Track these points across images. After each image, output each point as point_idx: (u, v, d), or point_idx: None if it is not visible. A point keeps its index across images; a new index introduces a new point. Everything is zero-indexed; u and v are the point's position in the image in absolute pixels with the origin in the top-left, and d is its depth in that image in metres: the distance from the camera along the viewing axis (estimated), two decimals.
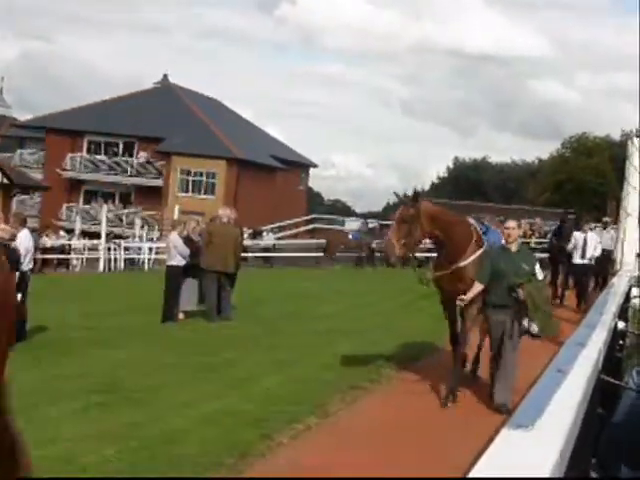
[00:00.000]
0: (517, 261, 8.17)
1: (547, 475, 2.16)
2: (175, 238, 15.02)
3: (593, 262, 16.96)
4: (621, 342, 9.25)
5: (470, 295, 8.22)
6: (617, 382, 6.71)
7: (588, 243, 16.64)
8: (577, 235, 16.98)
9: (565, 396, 3.04)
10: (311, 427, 7.35)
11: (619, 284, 11.71)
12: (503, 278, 8.06)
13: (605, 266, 18.34)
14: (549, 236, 22.14)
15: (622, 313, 10.44)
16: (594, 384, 4.35)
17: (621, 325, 9.12)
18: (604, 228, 19.81)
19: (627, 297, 11.87)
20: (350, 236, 36.35)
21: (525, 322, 7.99)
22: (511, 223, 8.38)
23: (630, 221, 17.27)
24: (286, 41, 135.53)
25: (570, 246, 16.95)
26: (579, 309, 16.02)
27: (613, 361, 8.10)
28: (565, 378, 3.33)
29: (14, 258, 11.70)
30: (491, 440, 2.32)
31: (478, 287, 8.22)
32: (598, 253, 16.98)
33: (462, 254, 8.76)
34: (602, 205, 42.51)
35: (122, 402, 8.14)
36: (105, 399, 8.21)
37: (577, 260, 16.83)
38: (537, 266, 8.35)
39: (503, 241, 8.61)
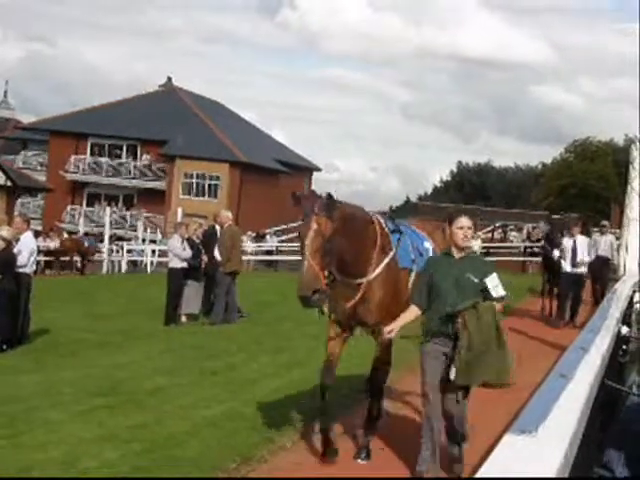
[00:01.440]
0: (463, 274, 5.79)
1: None
2: (172, 241, 15.05)
3: (584, 270, 15.36)
4: (624, 347, 9.21)
5: (400, 323, 6.04)
6: (620, 387, 6.69)
7: (578, 249, 14.94)
8: (565, 241, 15.29)
9: (568, 401, 3.03)
10: (314, 431, 7.34)
11: (622, 289, 11.68)
12: (443, 298, 5.80)
13: (603, 274, 17.31)
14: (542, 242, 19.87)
15: (625, 318, 10.41)
16: (597, 389, 4.34)
17: (624, 330, 9.07)
18: (602, 233, 17.96)
19: (630, 302, 11.82)
20: None
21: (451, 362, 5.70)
22: (464, 221, 5.94)
23: (633, 226, 17.19)
24: (288, 46, 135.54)
25: (556, 253, 15.44)
26: (563, 324, 14.88)
27: (616, 366, 8.07)
28: (568, 383, 3.33)
29: (11, 260, 11.70)
30: (495, 445, 2.32)
31: (413, 312, 6.05)
32: (589, 259, 15.36)
33: (366, 265, 6.48)
34: (606, 210, 42.48)
35: (124, 405, 8.13)
36: (107, 402, 8.20)
37: (566, 268, 15.04)
38: (494, 279, 5.79)
39: (463, 245, 6.07)
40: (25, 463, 6.24)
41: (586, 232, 16.25)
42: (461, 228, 5.91)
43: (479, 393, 6.30)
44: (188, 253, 14.59)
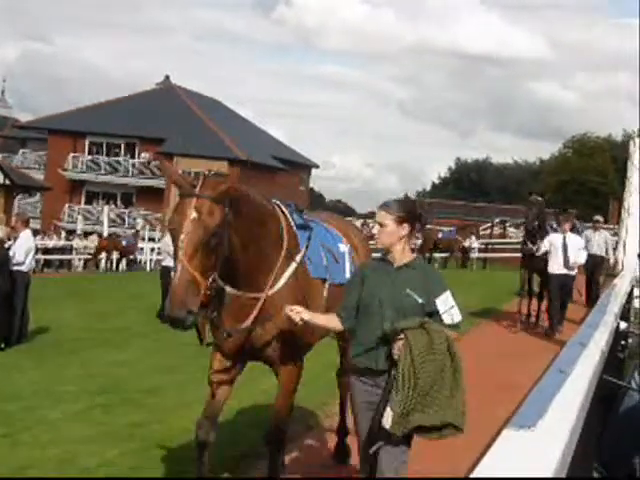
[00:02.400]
0: (401, 289, 4.23)
1: (550, 476, 2.15)
2: (165, 239, 15.05)
3: (574, 272, 13.71)
4: (623, 342, 9.22)
5: (315, 319, 4.48)
6: (619, 382, 6.70)
7: (568, 247, 13.21)
8: (554, 237, 13.40)
9: (567, 397, 3.03)
10: (314, 427, 7.34)
11: (621, 284, 11.68)
12: (373, 320, 4.22)
13: (596, 274, 16.62)
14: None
15: (624, 313, 10.42)
16: (596, 384, 4.34)
17: (623, 325, 9.08)
18: (595, 229, 17.13)
19: (629, 297, 11.84)
20: (440, 235, 34.48)
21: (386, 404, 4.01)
22: (382, 216, 4.32)
23: (632, 221, 17.17)
24: (285, 42, 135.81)
25: (542, 250, 13.32)
26: (552, 332, 13.29)
27: (615, 361, 8.08)
28: (567, 378, 3.32)
29: (3, 258, 11.69)
30: (493, 441, 2.32)
31: (333, 319, 4.47)
32: (582, 260, 13.70)
33: (265, 273, 4.80)
34: (604, 205, 42.53)
35: (123, 403, 8.13)
36: (106, 400, 8.20)
37: (553, 269, 13.23)
38: (448, 300, 4.27)
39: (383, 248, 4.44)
40: (24, 461, 6.24)
41: (556, 228, 14.23)
42: (383, 225, 4.29)
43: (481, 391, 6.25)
44: None
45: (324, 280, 5.22)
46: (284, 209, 5.14)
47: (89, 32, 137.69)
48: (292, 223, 5.11)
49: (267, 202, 5.03)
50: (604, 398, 5.75)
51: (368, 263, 4.75)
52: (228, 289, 4.71)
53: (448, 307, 4.24)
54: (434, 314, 4.20)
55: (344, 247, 5.63)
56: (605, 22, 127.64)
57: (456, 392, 4.02)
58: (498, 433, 2.42)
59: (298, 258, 5.00)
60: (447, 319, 4.22)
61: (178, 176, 4.53)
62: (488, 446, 2.29)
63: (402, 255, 4.31)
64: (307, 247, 5.09)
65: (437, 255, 34.03)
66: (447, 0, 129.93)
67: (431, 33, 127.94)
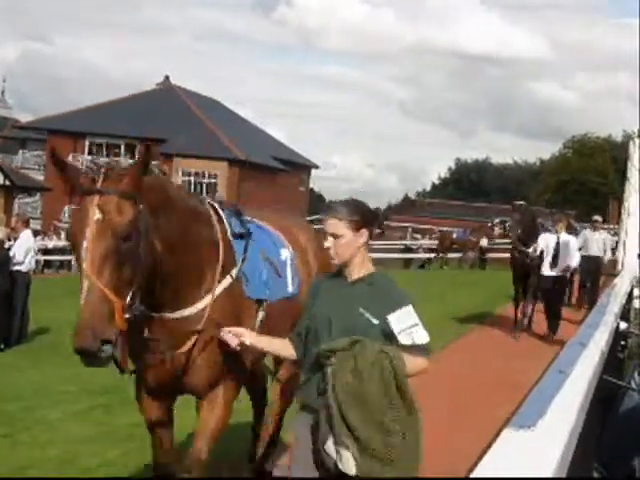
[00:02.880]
0: (353, 308, 3.52)
1: (549, 476, 2.15)
2: None
3: (567, 274, 13.35)
4: (623, 343, 9.22)
5: (261, 343, 3.90)
6: (619, 383, 6.70)
7: (561, 249, 12.70)
8: (547, 237, 12.89)
9: (567, 397, 3.03)
10: None
11: (621, 284, 11.69)
12: (323, 343, 3.47)
13: (594, 276, 16.11)
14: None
15: (624, 313, 10.42)
16: (596, 385, 4.34)
17: (623, 326, 9.08)
18: (594, 229, 16.61)
19: (629, 297, 11.84)
20: (454, 235, 34.56)
21: (329, 442, 3.26)
22: (334, 225, 3.58)
23: (632, 221, 17.17)
24: (285, 43, 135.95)
25: (533, 252, 12.74)
26: (548, 337, 12.61)
27: (615, 362, 8.08)
28: (567, 379, 3.33)
29: (3, 259, 11.70)
30: (493, 441, 2.32)
31: (286, 345, 3.80)
32: (574, 264, 13.04)
33: (192, 289, 3.99)
34: (604, 206, 42.54)
35: (124, 403, 8.12)
36: (107, 400, 8.20)
37: (545, 271, 12.70)
38: (406, 316, 3.46)
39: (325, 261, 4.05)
40: (24, 461, 6.24)
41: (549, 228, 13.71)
42: (336, 237, 3.53)
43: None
44: None
45: (262, 302, 4.33)
46: (220, 212, 4.28)
47: (89, 32, 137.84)
48: (228, 230, 4.25)
49: (197, 201, 4.20)
50: (604, 398, 5.75)
51: (323, 278, 3.83)
52: (145, 309, 3.68)
53: (407, 325, 3.39)
54: (391, 335, 3.39)
55: (286, 253, 4.77)
56: (605, 22, 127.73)
57: (411, 438, 3.17)
58: (498, 433, 2.42)
59: (234, 273, 4.14)
60: (404, 339, 3.38)
61: (72, 169, 3.75)
62: (488, 446, 2.29)
63: (361, 267, 3.57)
64: (244, 260, 4.23)
65: (452, 255, 34.02)
66: (447, 0, 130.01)
67: (431, 33, 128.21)
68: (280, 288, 4.58)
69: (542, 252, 12.72)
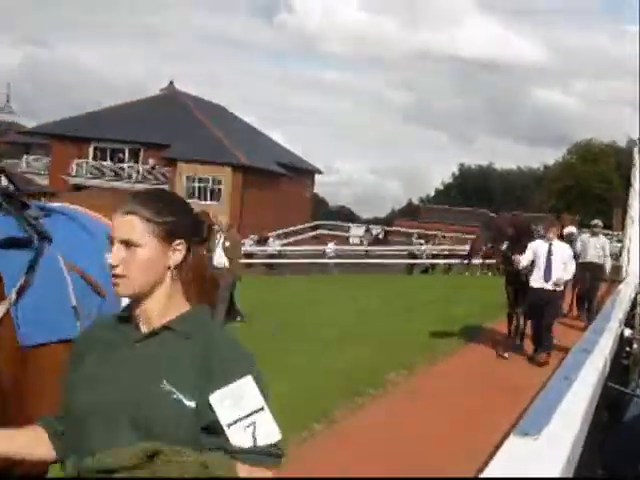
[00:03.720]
0: (148, 376, 1.94)
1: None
2: None
3: (560, 288, 11.28)
4: (628, 349, 9.21)
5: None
6: (624, 389, 6.68)
7: (554, 259, 10.97)
8: (536, 245, 11.13)
9: (572, 404, 3.02)
10: (316, 434, 7.34)
11: (626, 291, 11.67)
12: (91, 442, 1.93)
13: (592, 285, 14.89)
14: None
15: (629, 320, 10.41)
16: (601, 391, 4.33)
17: (628, 332, 9.07)
18: (593, 234, 15.39)
19: (634, 304, 11.82)
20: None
21: None
22: (128, 224, 2.02)
23: (636, 227, 17.12)
24: (286, 48, 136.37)
25: (524, 263, 11.02)
26: (540, 360, 10.84)
27: (620, 368, 8.06)
28: (572, 385, 3.32)
29: None
30: (498, 448, 2.31)
31: (40, 440, 2.09)
32: (568, 276, 11.35)
33: None
34: (608, 211, 42.50)
35: None
36: None
37: (536, 283, 10.99)
38: (242, 387, 1.92)
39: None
40: None
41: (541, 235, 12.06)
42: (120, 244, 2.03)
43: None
44: None
45: (65, 341, 2.70)
46: None
47: (93, 38, 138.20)
48: None
49: None
50: (609, 405, 5.73)
51: (96, 324, 2.27)
52: None
53: (244, 413, 1.94)
54: (213, 427, 1.93)
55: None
56: (606, 28, 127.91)
57: None
58: (502, 440, 2.41)
59: (1, 308, 2.64)
60: (239, 439, 1.93)
61: None
62: (493, 452, 2.29)
63: (169, 306, 2.07)
64: (24, 285, 2.72)
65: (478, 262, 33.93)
66: (448, 6, 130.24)
67: (433, 39, 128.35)
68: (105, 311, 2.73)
69: (532, 262, 11.07)
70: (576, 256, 12.93)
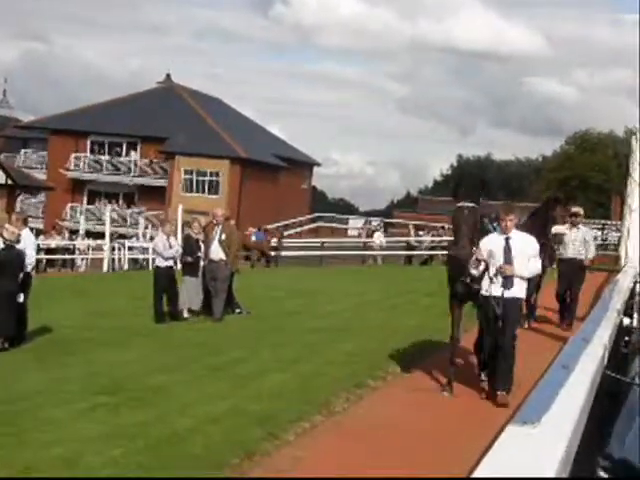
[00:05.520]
0: None
1: (553, 473, 2.15)
2: (156, 240, 15.04)
3: (521, 295, 8.36)
4: (626, 338, 9.22)
5: None
6: (622, 378, 6.69)
7: (514, 255, 8.15)
8: (491, 240, 8.33)
9: (570, 392, 3.03)
10: (317, 425, 7.35)
11: (624, 281, 11.68)
12: None
13: (574, 284, 12.77)
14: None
15: (627, 309, 10.42)
16: (599, 380, 4.34)
17: (626, 321, 9.08)
18: (572, 225, 12.97)
19: (632, 293, 11.84)
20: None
21: None
22: None
23: (634, 216, 17.12)
24: (283, 41, 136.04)
25: (473, 270, 8.22)
26: (495, 394, 8.24)
27: (618, 357, 8.07)
28: (570, 374, 3.32)
29: (20, 261, 11.71)
30: (497, 436, 2.32)
31: None
32: (535, 271, 8.52)
33: None
34: (606, 201, 42.49)
35: (128, 402, 8.13)
36: (110, 400, 8.20)
37: (489, 288, 8.23)
38: None
39: None
40: (29, 461, 6.24)
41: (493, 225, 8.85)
42: None
43: None
44: (171, 252, 14.57)
45: None
46: None
47: (88, 31, 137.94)
48: None
49: None
50: (608, 393, 5.75)
51: None
52: None
53: None
54: None
55: None
56: (603, 17, 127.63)
57: None
58: (501, 429, 2.42)
59: None
60: None
61: None
62: (492, 441, 2.29)
63: None
64: None
65: None
66: None
67: (429, 30, 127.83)
68: None
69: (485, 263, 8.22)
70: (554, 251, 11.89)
